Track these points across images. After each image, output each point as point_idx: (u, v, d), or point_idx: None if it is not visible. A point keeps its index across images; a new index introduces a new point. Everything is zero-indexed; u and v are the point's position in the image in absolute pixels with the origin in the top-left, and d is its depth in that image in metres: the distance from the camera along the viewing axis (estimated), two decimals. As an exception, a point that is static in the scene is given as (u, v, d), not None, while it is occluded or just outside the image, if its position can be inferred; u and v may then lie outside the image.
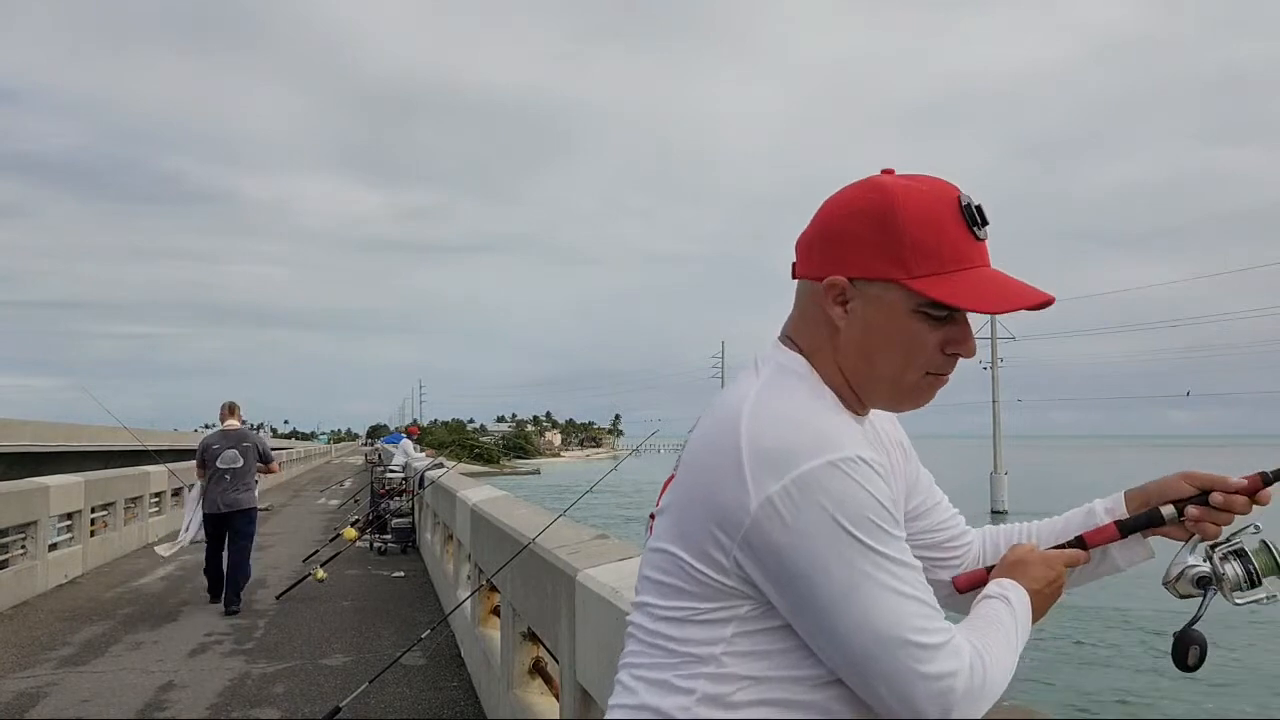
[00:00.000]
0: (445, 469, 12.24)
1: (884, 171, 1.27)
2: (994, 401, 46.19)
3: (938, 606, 1.15)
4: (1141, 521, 1.36)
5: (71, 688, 6.30)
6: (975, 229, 1.21)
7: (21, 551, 9.80)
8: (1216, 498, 1.33)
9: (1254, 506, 1.33)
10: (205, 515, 9.21)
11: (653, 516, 1.29)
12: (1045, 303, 1.20)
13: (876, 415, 1.35)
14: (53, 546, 10.55)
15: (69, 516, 11.19)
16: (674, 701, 1.17)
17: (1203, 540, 1.34)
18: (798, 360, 1.25)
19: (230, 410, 9.63)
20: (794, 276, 1.31)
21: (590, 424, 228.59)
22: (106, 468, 17.08)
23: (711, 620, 1.17)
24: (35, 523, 10.03)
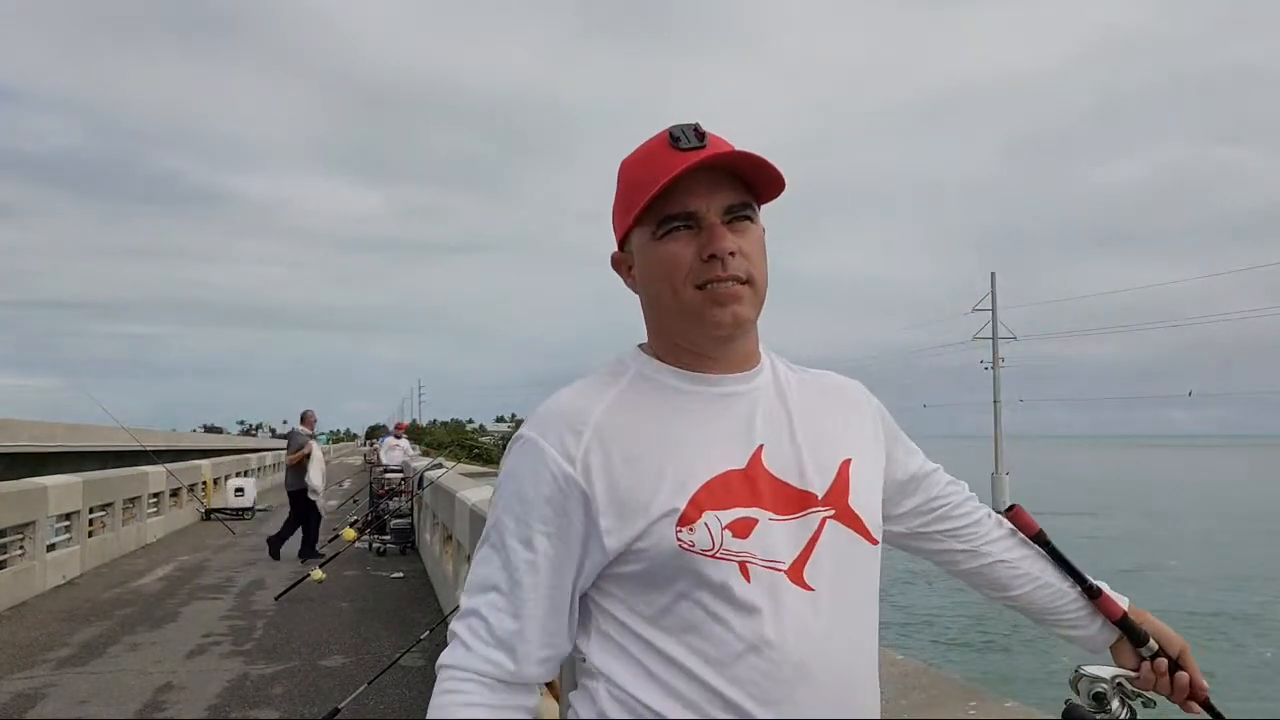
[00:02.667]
0: (444, 469, 12.21)
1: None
2: (995, 401, 46.19)
3: (500, 626, 1.19)
4: (1132, 631, 1.44)
5: (70, 688, 6.27)
6: (677, 144, 1.19)
7: (20, 552, 9.77)
8: (1182, 676, 1.40)
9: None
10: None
11: None
12: (720, 160, 1.17)
13: (819, 383, 1.34)
14: (51, 547, 10.52)
15: (67, 517, 11.16)
16: None
17: (1131, 679, 1.42)
18: (624, 353, 1.32)
19: (301, 418, 13.21)
20: None
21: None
22: (105, 468, 17.04)
23: None
24: (33, 523, 10.00)
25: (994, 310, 47.78)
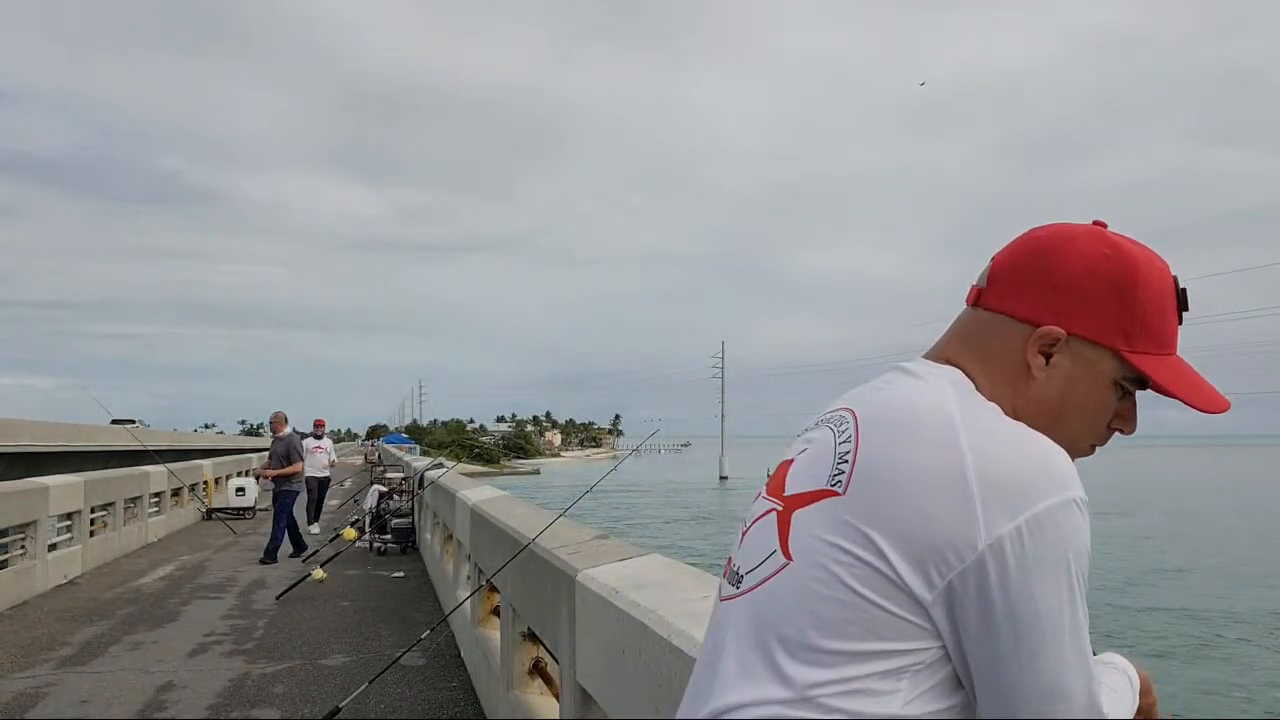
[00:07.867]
0: (445, 469, 12.23)
1: (1096, 223, 1.21)
2: (994, 401, 46.11)
3: None
4: None
5: (71, 688, 6.29)
6: (1182, 314, 1.18)
7: (21, 552, 9.79)
8: None
9: None
10: None
11: (787, 504, 1.12)
12: (1224, 409, 1.18)
13: None
14: (52, 547, 10.55)
15: (68, 517, 11.19)
16: None
17: None
18: (971, 385, 1.14)
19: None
20: (978, 303, 1.20)
21: (590, 424, 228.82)
22: (106, 468, 17.06)
23: (884, 652, 1.01)
24: (35, 523, 10.03)
25: (994, 310, 47.61)
